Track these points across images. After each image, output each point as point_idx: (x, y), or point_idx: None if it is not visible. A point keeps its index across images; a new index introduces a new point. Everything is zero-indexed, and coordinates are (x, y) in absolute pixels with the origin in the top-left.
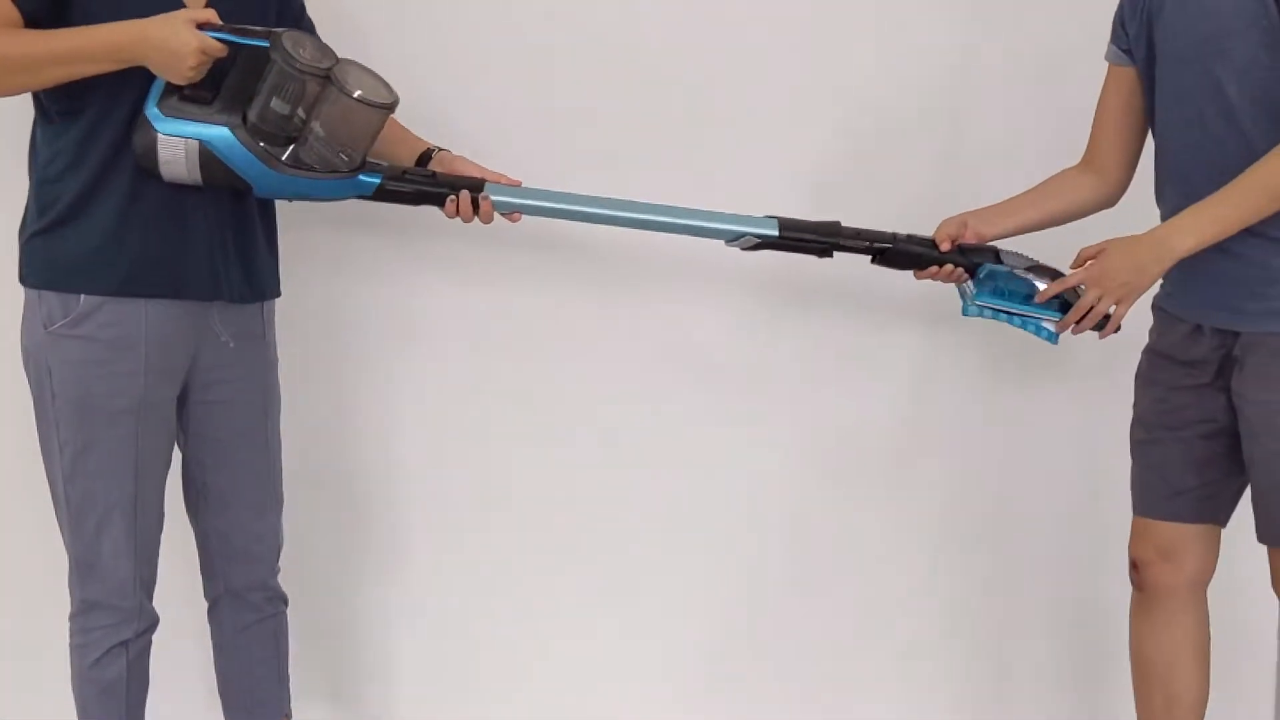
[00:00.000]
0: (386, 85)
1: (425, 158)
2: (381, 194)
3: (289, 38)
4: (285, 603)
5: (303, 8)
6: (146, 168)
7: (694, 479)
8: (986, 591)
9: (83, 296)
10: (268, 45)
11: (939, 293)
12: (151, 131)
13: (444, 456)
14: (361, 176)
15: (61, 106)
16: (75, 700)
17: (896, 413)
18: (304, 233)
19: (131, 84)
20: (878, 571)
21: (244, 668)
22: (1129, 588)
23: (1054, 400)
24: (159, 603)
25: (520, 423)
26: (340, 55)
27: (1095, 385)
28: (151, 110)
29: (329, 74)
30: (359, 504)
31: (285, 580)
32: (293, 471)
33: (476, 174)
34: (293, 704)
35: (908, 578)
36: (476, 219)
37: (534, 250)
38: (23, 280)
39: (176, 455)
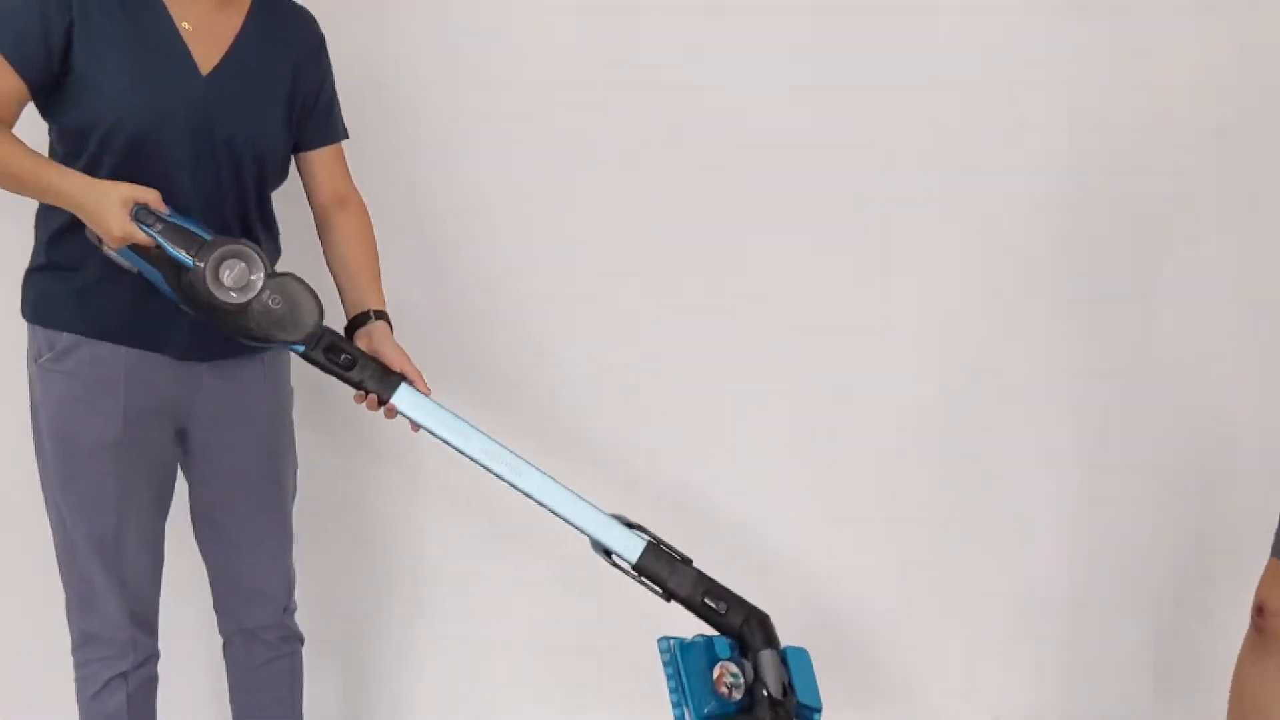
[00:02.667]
0: (315, 303)
1: (360, 320)
2: (303, 357)
3: (216, 258)
4: (301, 641)
5: (331, 99)
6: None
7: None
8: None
9: (65, 334)
10: (190, 265)
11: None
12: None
13: (463, 494)
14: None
15: (65, 151)
16: None
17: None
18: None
19: (122, 149)
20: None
21: (258, 706)
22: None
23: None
24: (176, 635)
25: (541, 458)
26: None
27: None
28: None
29: (245, 307)
30: (375, 541)
31: (301, 617)
32: (309, 508)
33: (397, 365)
34: None
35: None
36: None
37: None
38: (21, 312)
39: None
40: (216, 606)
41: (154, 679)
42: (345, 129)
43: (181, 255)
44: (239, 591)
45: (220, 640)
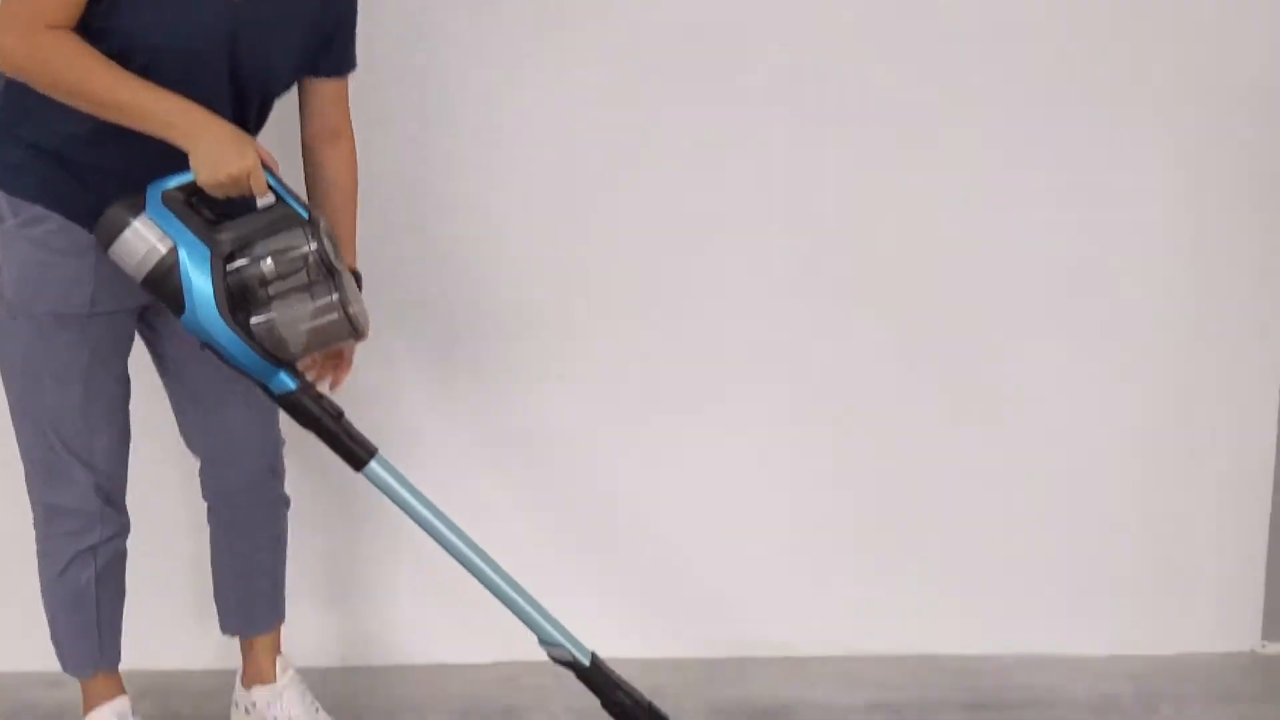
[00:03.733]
0: (366, 316)
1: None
2: (286, 401)
3: (327, 224)
4: (286, 504)
5: (351, 30)
6: (102, 236)
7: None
8: None
9: (32, 205)
10: (305, 216)
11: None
12: (139, 207)
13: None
14: (282, 374)
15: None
16: (45, 611)
17: None
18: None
19: (153, 65)
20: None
21: (239, 569)
22: None
23: None
24: (149, 506)
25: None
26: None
27: None
28: (155, 191)
29: (337, 273)
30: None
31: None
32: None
33: None
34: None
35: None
36: None
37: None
38: None
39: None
40: (201, 471)
41: (123, 554)
42: (355, 59)
43: (298, 205)
44: (220, 453)
45: (199, 514)
